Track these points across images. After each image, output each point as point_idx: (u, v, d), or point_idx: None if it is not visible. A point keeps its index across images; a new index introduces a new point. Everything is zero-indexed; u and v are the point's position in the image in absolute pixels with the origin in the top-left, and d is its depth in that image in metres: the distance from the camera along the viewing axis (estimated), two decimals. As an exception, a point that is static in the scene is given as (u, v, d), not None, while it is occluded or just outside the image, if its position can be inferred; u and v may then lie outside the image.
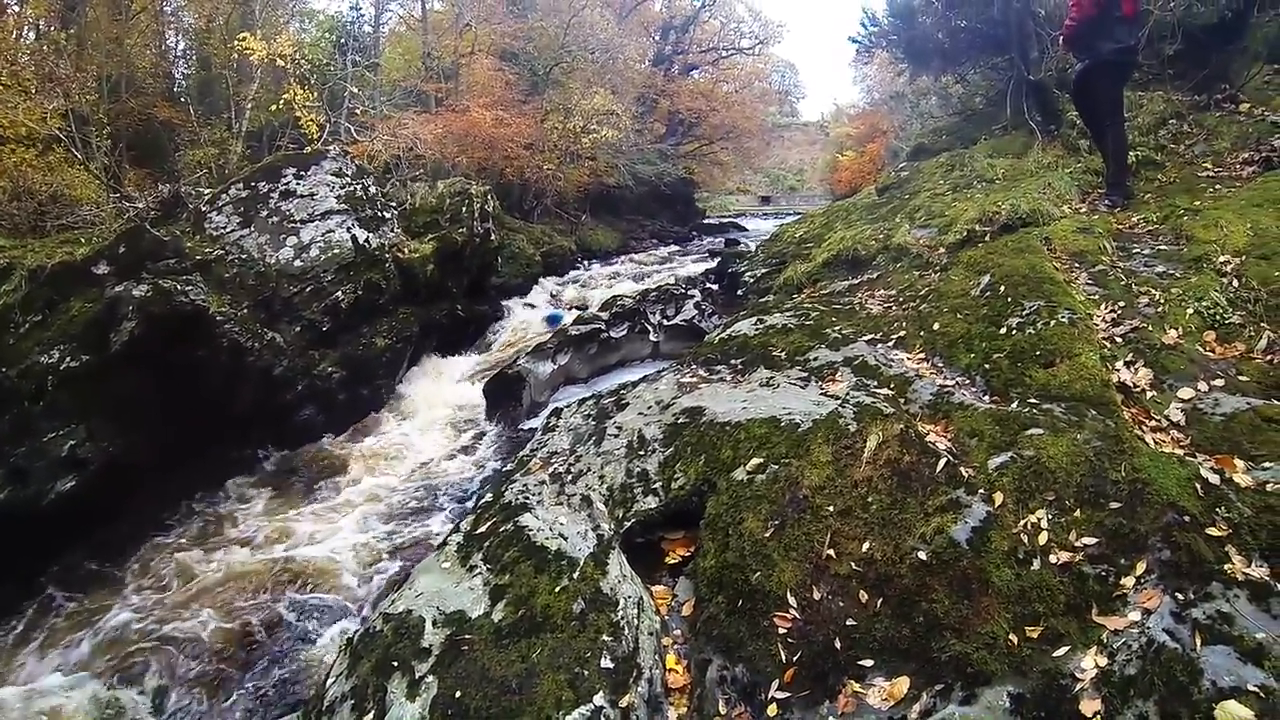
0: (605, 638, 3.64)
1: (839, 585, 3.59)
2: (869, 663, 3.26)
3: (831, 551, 3.74)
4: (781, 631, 3.48)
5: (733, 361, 6.30)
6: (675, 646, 3.88)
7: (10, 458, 7.25)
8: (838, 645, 3.36)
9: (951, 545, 3.57)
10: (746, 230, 32.89)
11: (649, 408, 5.67)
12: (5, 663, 6.38)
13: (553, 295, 16.62)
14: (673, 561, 4.50)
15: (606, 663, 3.51)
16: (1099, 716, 2.81)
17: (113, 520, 7.99)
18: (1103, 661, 2.98)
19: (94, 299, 8.02)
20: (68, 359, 7.70)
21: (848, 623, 3.42)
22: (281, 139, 15.77)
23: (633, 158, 29.83)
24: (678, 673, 3.74)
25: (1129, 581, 3.25)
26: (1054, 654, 3.09)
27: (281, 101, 15.68)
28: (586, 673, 3.45)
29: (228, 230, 10.62)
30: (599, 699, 3.34)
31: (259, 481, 9.33)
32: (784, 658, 3.38)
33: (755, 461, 4.49)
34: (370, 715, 3.52)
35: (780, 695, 3.28)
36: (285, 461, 9.76)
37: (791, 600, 3.59)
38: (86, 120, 13.02)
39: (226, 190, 11.25)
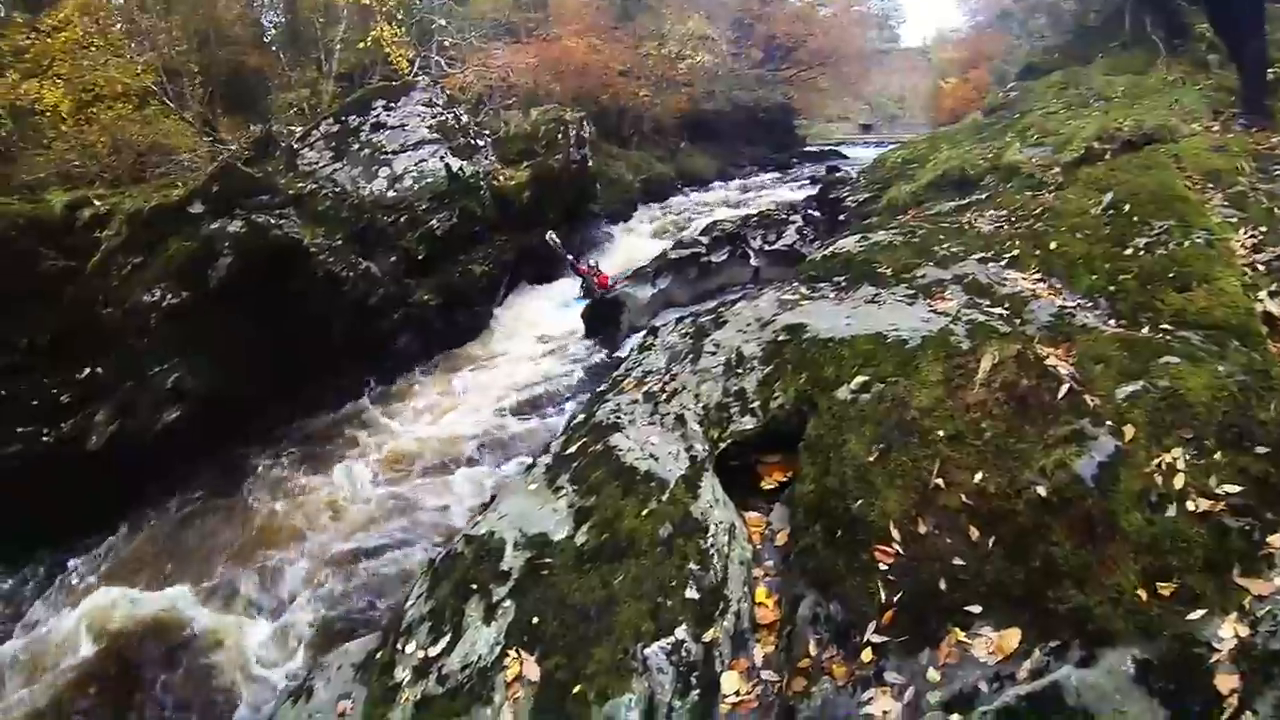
0: (692, 566, 3.46)
1: (947, 519, 3.29)
2: (976, 609, 2.95)
3: (940, 481, 3.42)
4: (882, 568, 3.20)
5: (836, 279, 6.01)
6: (766, 579, 3.65)
7: (118, 392, 7.60)
8: (943, 586, 3.06)
9: (1075, 482, 3.21)
10: (847, 158, 31.08)
11: (748, 325, 5.41)
12: (129, 572, 6.92)
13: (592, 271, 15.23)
14: (769, 486, 4.24)
15: (692, 593, 3.33)
16: (1235, 695, 2.43)
17: (216, 449, 8.32)
18: (1243, 631, 2.59)
19: (190, 238, 8.11)
20: (168, 296, 7.85)
21: (955, 562, 3.11)
22: (372, 77, 15.75)
23: (730, 84, 28.87)
24: (767, 607, 3.51)
25: (1277, 540, 2.83)
26: (1188, 617, 2.69)
27: (369, 39, 15.96)
28: (670, 603, 3.28)
29: (320, 165, 10.70)
30: (681, 632, 3.18)
31: (358, 408, 9.52)
32: (883, 597, 3.11)
33: (860, 380, 4.20)
34: (446, 639, 3.48)
35: (877, 639, 3.00)
36: (384, 387, 9.96)
37: (895, 533, 3.29)
38: (179, 73, 13.35)
39: (317, 126, 11.37)
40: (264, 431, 8.82)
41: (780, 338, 5.00)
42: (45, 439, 7.24)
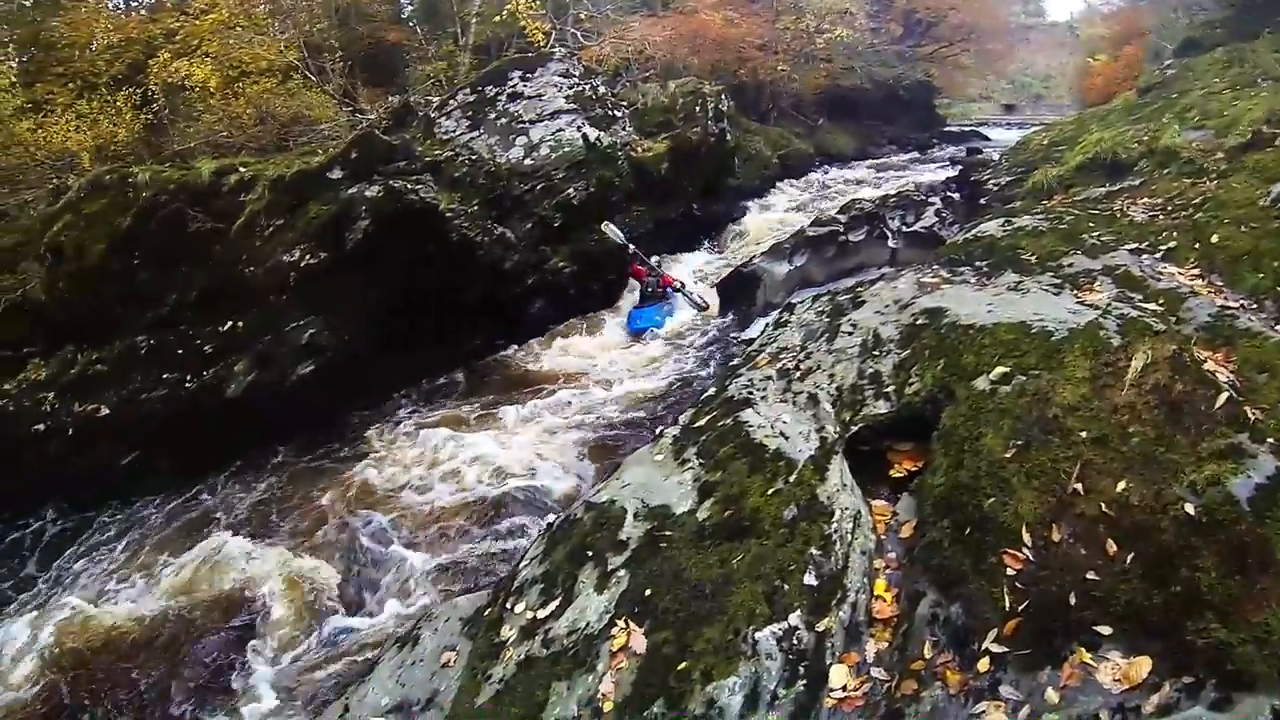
0: (814, 551, 3.33)
1: (1084, 528, 3.03)
2: (1106, 630, 2.70)
3: (1080, 486, 3.17)
4: (1010, 573, 2.98)
5: (977, 263, 5.76)
6: (887, 571, 3.47)
7: (258, 345, 8.07)
8: (1072, 601, 2.81)
9: (1228, 502, 2.89)
10: (989, 139, 29.70)
11: (886, 306, 5.22)
12: (262, 513, 7.37)
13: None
14: (897, 475, 4.02)
15: (810, 579, 3.22)
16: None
17: (347, 402, 8.74)
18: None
19: (330, 202, 8.38)
20: (307, 257, 8.17)
21: (1088, 576, 2.86)
22: (508, 49, 15.80)
23: (869, 60, 27.89)
24: (885, 601, 3.34)
25: None
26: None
27: (506, 13, 16.13)
28: (787, 587, 3.16)
29: (457, 133, 10.82)
30: (795, 618, 3.06)
31: (489, 368, 9.78)
32: (1008, 604, 2.90)
33: (1000, 370, 3.97)
34: (556, 602, 3.49)
35: (996, 649, 2.80)
36: (516, 350, 10.16)
37: (1026, 537, 3.06)
38: (320, 48, 13.79)
39: (454, 96, 11.49)
40: (394, 387, 9.14)
41: (919, 321, 4.79)
42: (188, 385, 7.83)
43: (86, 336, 7.99)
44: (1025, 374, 3.86)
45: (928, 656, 2.93)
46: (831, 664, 3.03)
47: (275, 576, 6.31)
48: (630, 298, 11.44)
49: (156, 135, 11.32)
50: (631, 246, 11.15)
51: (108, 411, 7.70)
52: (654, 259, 11.78)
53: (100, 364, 7.86)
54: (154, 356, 7.87)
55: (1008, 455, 3.39)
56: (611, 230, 11.09)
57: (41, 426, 7.61)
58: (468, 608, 3.95)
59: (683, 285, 11.25)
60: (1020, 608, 2.86)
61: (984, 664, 2.78)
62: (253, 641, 5.75)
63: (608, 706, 2.97)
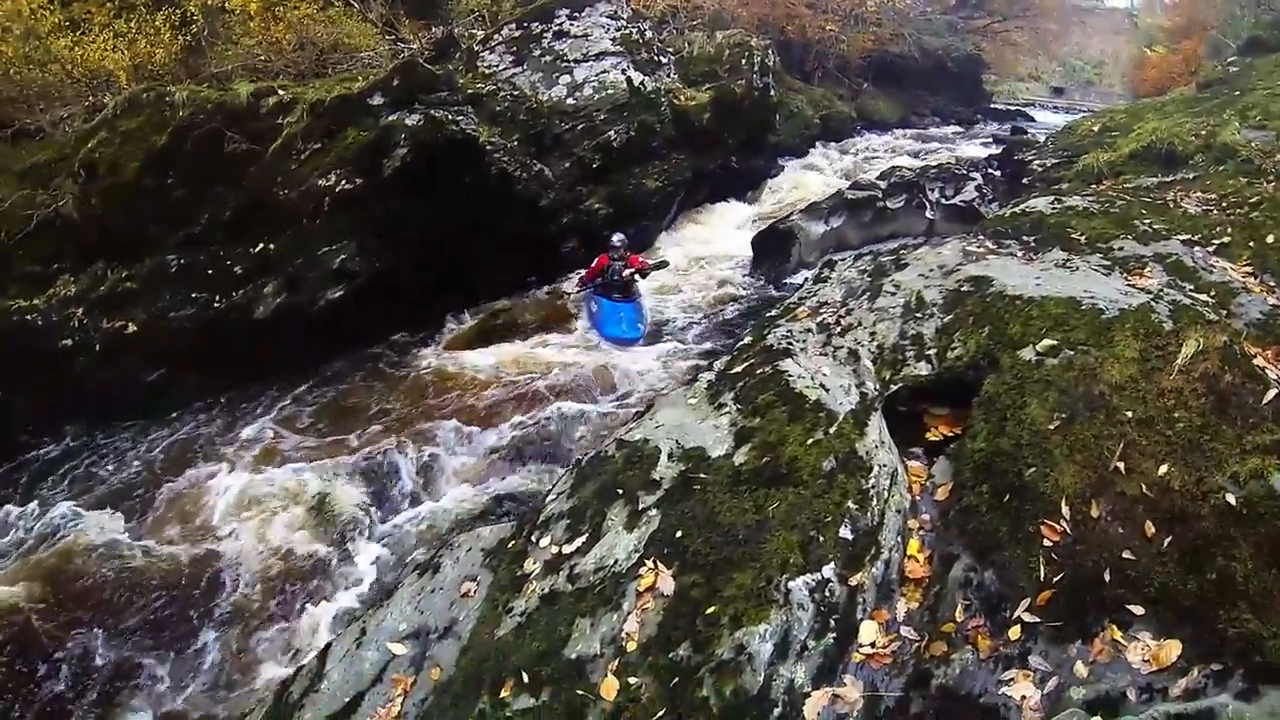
0: (850, 504, 3.29)
1: (1123, 507, 3.02)
2: (1139, 610, 2.70)
3: (1122, 465, 3.14)
4: (1046, 544, 2.97)
5: (1024, 238, 5.76)
6: (921, 532, 3.46)
7: (288, 268, 8.05)
8: (1106, 578, 2.80)
9: (1270, 496, 2.85)
10: (1034, 120, 29.86)
11: (930, 270, 5.26)
12: (280, 433, 7.48)
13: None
14: (933, 439, 4.03)
15: (846, 532, 3.19)
16: None
17: (375, 329, 8.78)
18: None
19: (369, 128, 8.28)
20: (342, 182, 8.10)
21: (1124, 555, 2.85)
22: (554, -12, 15.42)
23: (919, 27, 27.42)
24: (918, 562, 3.32)
25: None
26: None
27: None
28: (822, 539, 3.13)
29: (500, 68, 10.72)
30: (829, 570, 3.03)
31: (519, 304, 9.84)
32: (1043, 575, 2.89)
33: (1048, 342, 3.95)
34: (583, 538, 3.48)
35: (1028, 618, 2.80)
36: (546, 286, 10.27)
37: (1065, 510, 3.04)
38: None
39: (499, 30, 11.34)
40: (424, 316, 9.16)
41: (964, 288, 4.81)
42: (217, 305, 7.84)
43: (117, 254, 7.95)
44: (1073, 348, 3.84)
45: (959, 620, 2.92)
46: (862, 619, 3.02)
47: (299, 498, 6.38)
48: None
49: (194, 57, 11.11)
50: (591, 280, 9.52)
51: (135, 328, 7.68)
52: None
53: (130, 281, 7.83)
54: (184, 275, 7.85)
55: (1051, 427, 3.38)
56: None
57: (69, 342, 7.61)
58: (490, 538, 3.93)
59: (654, 266, 9.80)
60: (1055, 579, 2.84)
61: (1015, 632, 2.78)
62: (267, 564, 5.83)
63: (631, 646, 2.95)
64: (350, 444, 7.11)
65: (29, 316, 7.66)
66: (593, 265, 9.47)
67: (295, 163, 8.15)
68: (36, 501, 6.70)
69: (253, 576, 5.75)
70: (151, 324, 7.69)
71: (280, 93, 8.57)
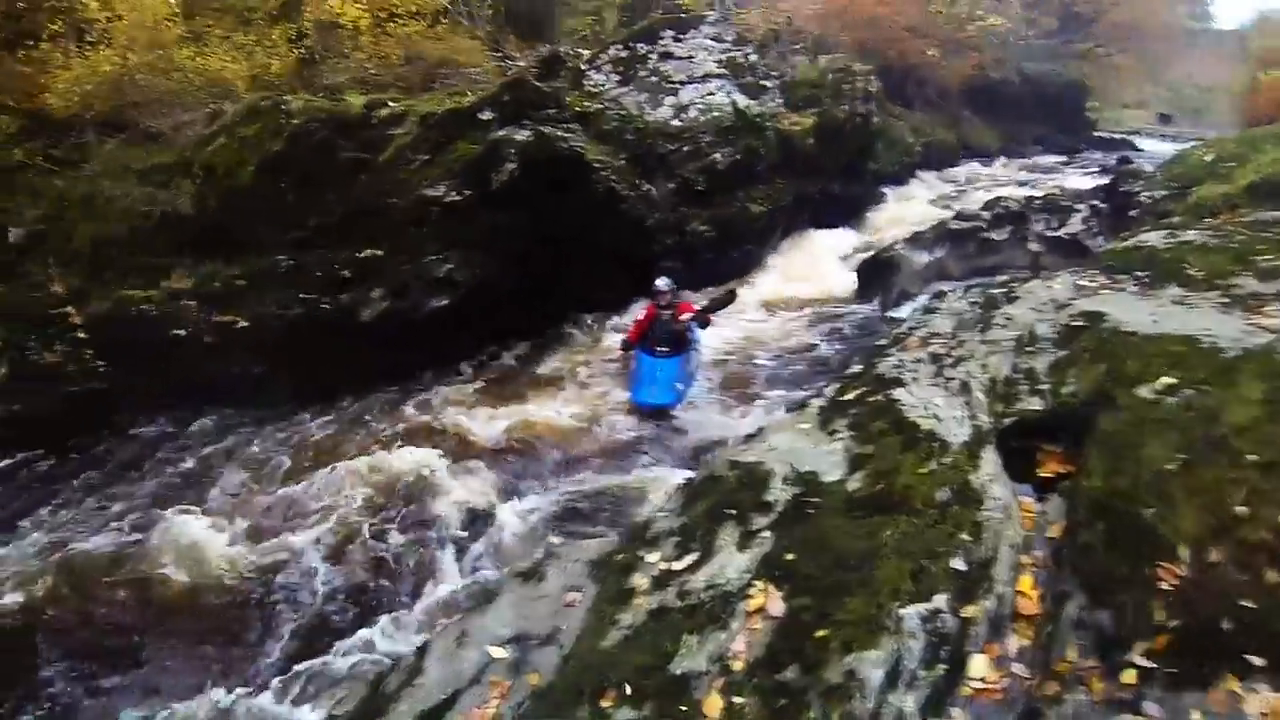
0: (964, 536, 3.25)
1: (1244, 554, 2.88)
2: (1259, 662, 2.56)
3: (1245, 510, 3.00)
4: (1164, 587, 2.85)
5: (1137, 273, 5.58)
6: (1033, 569, 3.35)
7: (394, 274, 8.18)
8: (1226, 626, 2.69)
9: None
10: (1140, 150, 28.15)
11: (1042, 304, 5.21)
12: (373, 435, 7.58)
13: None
14: (1045, 475, 3.90)
15: (959, 564, 3.12)
16: None
17: (474, 339, 8.86)
18: None
19: (478, 141, 8.41)
20: (450, 193, 8.23)
21: (1243, 603, 2.72)
22: (656, 9, 15.54)
23: (1020, 53, 26.85)
24: (1030, 599, 3.22)
25: None
26: None
27: None
28: (934, 569, 3.07)
29: (606, 87, 10.81)
30: (941, 601, 2.95)
31: (619, 325, 9.62)
32: (1160, 619, 2.78)
33: (1167, 381, 3.82)
34: (693, 556, 3.46)
35: (1144, 662, 2.69)
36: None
37: (1184, 553, 2.92)
38: None
39: (605, 50, 11.53)
40: (525, 329, 9.22)
41: (1076, 323, 4.72)
42: (324, 306, 8.01)
43: (230, 251, 8.25)
44: (1193, 388, 3.71)
45: (1071, 660, 2.85)
46: (973, 653, 2.94)
47: (386, 499, 6.47)
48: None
49: (308, 69, 11.45)
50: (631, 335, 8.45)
51: (245, 324, 7.95)
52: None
53: (241, 278, 8.11)
54: (292, 275, 8.08)
55: (1171, 468, 3.25)
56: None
57: (180, 332, 7.95)
58: (595, 550, 3.94)
59: (717, 305, 8.71)
60: (1172, 624, 2.75)
61: (1129, 676, 2.69)
62: (351, 558, 5.93)
63: (738, 665, 2.90)
64: (442, 452, 7.06)
65: (144, 306, 8.09)
66: (639, 319, 8.43)
67: (404, 172, 8.30)
68: (130, 481, 7.07)
69: (333, 570, 5.82)
70: (259, 320, 7.95)
71: (391, 105, 8.78)
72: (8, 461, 7.59)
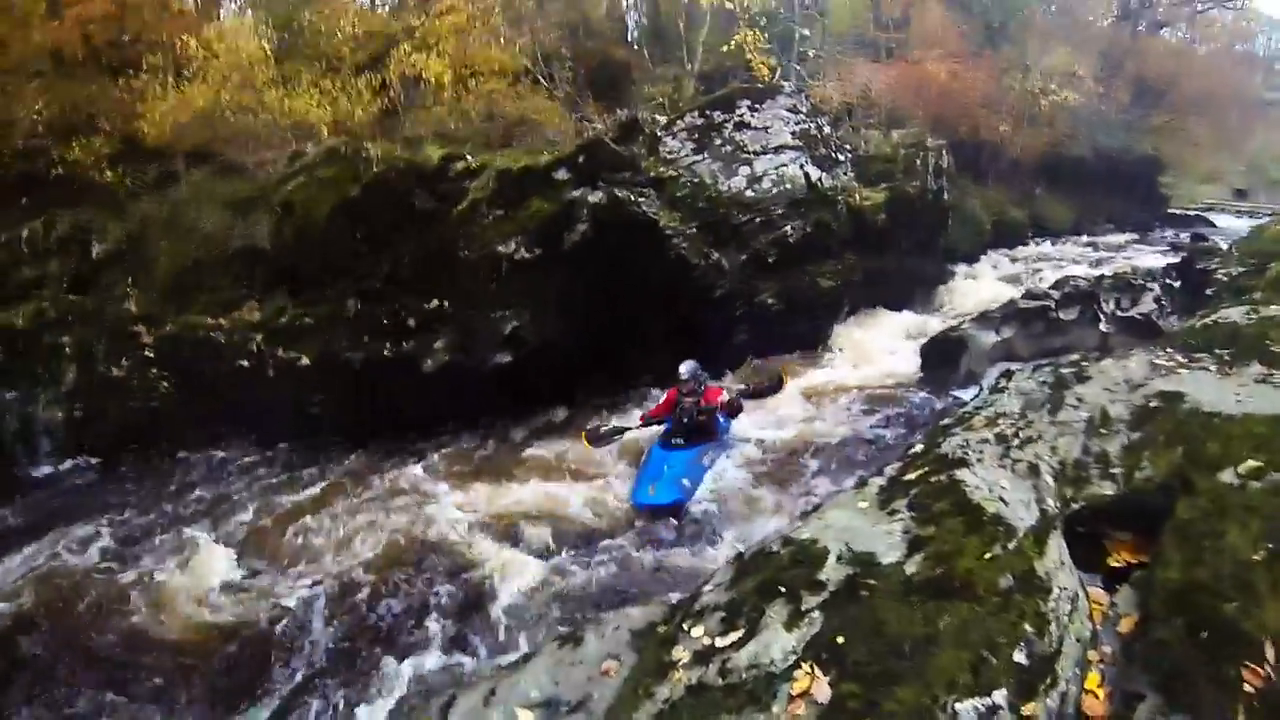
0: (1027, 627, 3.07)
1: None
2: None
3: None
4: (1247, 689, 2.68)
5: (1217, 351, 5.51)
6: (1101, 665, 3.17)
7: (460, 326, 8.30)
8: None
9: None
10: (1215, 226, 27.98)
11: (1115, 384, 5.12)
12: (425, 483, 7.63)
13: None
14: (1115, 564, 3.80)
15: (1020, 657, 2.95)
16: None
17: (537, 394, 8.85)
18: None
19: (552, 200, 8.51)
20: (522, 250, 8.31)
21: None
22: (732, 80, 15.78)
23: (1094, 127, 26.16)
24: (1097, 698, 3.03)
25: None
26: None
27: (733, 43, 16.24)
28: (995, 661, 2.90)
29: (681, 154, 10.84)
30: (999, 696, 2.77)
31: None
32: None
33: (1251, 464, 3.70)
34: (739, 633, 3.29)
35: None
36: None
37: (1270, 652, 2.76)
38: (550, 58, 14.25)
39: (682, 117, 11.53)
40: (587, 391, 9.25)
41: (1152, 404, 4.64)
42: (387, 353, 8.15)
43: (300, 288, 8.53)
44: None
45: None
46: None
47: (425, 548, 6.54)
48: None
49: (389, 119, 11.83)
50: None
51: (308, 362, 8.19)
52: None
53: (308, 316, 8.35)
54: (360, 319, 8.24)
55: (1256, 558, 3.14)
56: None
57: (244, 363, 8.30)
58: (639, 619, 3.84)
59: (753, 392, 8.42)
60: None
61: None
62: (376, 606, 5.95)
63: None
64: (486, 508, 7.15)
65: (213, 334, 8.47)
66: (662, 400, 8.06)
67: (478, 226, 8.41)
68: (168, 500, 7.40)
69: (359, 617, 5.85)
70: (322, 360, 8.18)
71: (469, 159, 8.92)
72: (64, 466, 8.19)
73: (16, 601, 5.96)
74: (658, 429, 7.91)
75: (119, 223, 9.72)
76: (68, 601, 5.96)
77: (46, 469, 8.18)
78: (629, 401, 9.36)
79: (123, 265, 9.37)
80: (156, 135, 10.00)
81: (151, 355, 8.72)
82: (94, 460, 8.26)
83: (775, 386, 8.42)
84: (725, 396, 7.90)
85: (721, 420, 7.92)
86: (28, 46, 10.72)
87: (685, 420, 7.66)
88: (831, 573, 3.50)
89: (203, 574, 6.22)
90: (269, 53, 11.04)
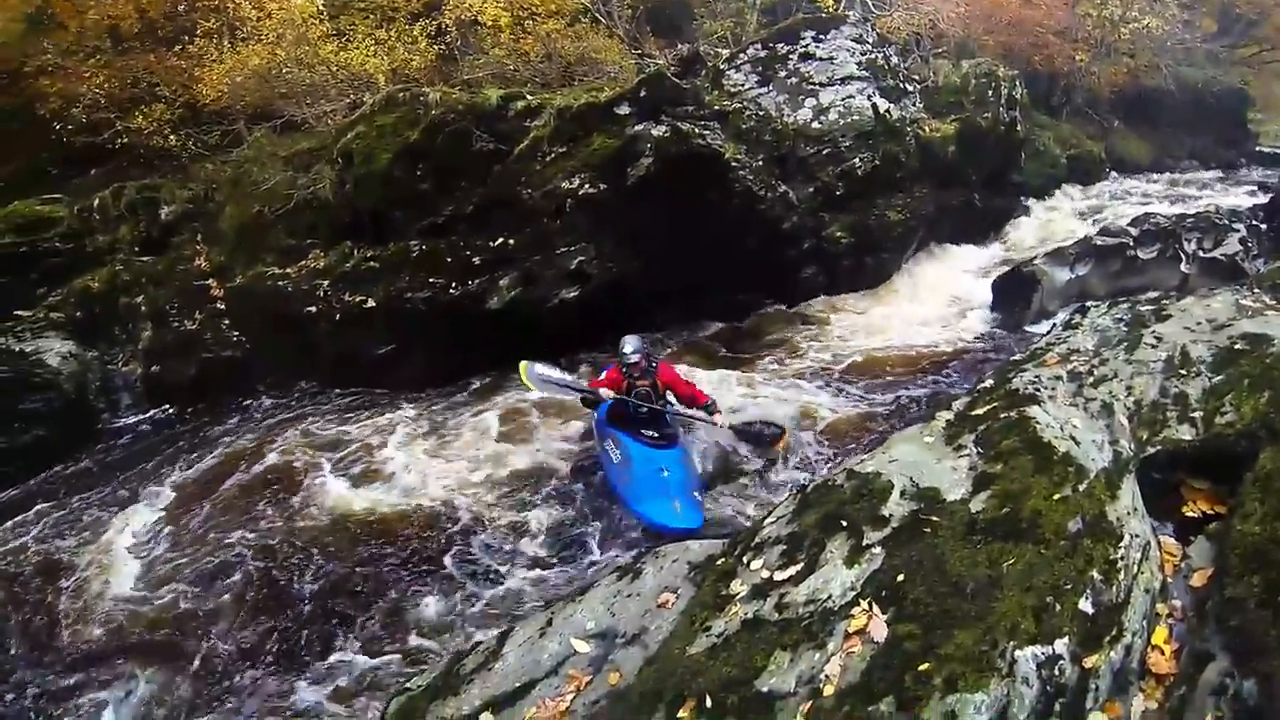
0: (1095, 574, 2.93)
1: None
2: None
3: None
4: None
5: None
6: (1170, 620, 3.04)
7: (525, 264, 8.27)
8: None
9: None
10: None
11: (1197, 324, 4.77)
12: (488, 423, 7.65)
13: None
14: (1190, 514, 3.59)
15: (1086, 605, 2.81)
16: None
17: (604, 332, 8.50)
18: None
19: (615, 136, 8.38)
20: (585, 186, 8.23)
21: None
22: (796, 12, 15.24)
23: (1176, 58, 24.62)
24: (1164, 654, 2.90)
25: None
26: None
27: None
28: (1059, 608, 2.76)
29: (745, 87, 10.50)
30: (1061, 646, 2.66)
31: (752, 327, 9.64)
32: None
33: None
34: (798, 567, 3.28)
35: None
36: (781, 313, 9.96)
37: None
38: None
39: (744, 50, 11.14)
40: (654, 328, 9.14)
41: (1237, 345, 4.35)
42: (452, 291, 8.18)
43: (364, 235, 8.56)
44: None
45: None
46: (1091, 710, 2.65)
47: (494, 488, 6.61)
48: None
49: (447, 65, 11.79)
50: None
51: (374, 304, 8.25)
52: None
53: (373, 261, 8.38)
54: (424, 261, 8.26)
55: None
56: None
57: (313, 309, 8.40)
58: (699, 553, 3.84)
59: (741, 434, 6.75)
60: None
61: None
62: (471, 546, 6.05)
63: (829, 690, 2.70)
64: (554, 447, 7.19)
65: (281, 283, 8.63)
66: (604, 376, 6.68)
67: (540, 164, 8.34)
68: (263, 439, 7.64)
69: (425, 550, 5.99)
70: (389, 302, 8.22)
71: (528, 98, 8.80)
72: (143, 416, 8.57)
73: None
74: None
75: (185, 186, 10.06)
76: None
77: (129, 419, 8.53)
78: (701, 332, 9.40)
79: (191, 226, 9.74)
80: (216, 98, 10.14)
81: (223, 308, 9.05)
82: (170, 410, 8.59)
83: (776, 436, 6.67)
84: (688, 385, 6.70)
85: (669, 413, 6.59)
86: (85, 25, 11.12)
87: (644, 410, 6.40)
88: (894, 508, 3.43)
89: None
90: (321, 6, 11.02)
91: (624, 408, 6.40)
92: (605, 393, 6.34)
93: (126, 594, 5.74)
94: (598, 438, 6.77)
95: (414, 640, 5.17)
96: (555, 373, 6.80)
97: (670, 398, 6.59)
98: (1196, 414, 3.96)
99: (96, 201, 9.53)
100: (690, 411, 6.57)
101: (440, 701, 3.39)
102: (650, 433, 6.32)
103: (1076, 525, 3.12)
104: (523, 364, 6.61)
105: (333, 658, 5.09)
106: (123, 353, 8.85)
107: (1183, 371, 4.30)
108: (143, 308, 8.97)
